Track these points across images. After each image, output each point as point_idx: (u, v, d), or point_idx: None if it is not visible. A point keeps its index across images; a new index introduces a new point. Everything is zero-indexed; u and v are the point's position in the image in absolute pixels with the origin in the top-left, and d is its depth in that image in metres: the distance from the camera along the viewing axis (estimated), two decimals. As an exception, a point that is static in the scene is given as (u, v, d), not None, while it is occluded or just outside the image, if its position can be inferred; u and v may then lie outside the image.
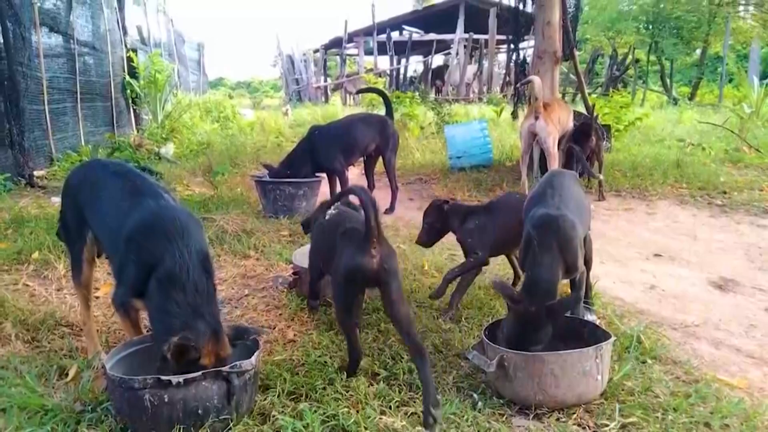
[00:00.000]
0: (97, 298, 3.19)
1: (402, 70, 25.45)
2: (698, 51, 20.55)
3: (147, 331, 2.41)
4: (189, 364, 1.94)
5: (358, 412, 2.10)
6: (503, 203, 3.25)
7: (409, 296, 3.31)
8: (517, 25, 11.20)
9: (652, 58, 19.96)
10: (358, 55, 27.58)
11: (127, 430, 1.96)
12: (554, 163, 5.63)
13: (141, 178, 2.45)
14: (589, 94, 9.63)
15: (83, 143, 7.62)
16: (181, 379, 1.89)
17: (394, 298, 2.32)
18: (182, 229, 2.14)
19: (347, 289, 2.40)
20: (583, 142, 5.90)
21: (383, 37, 24.72)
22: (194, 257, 2.10)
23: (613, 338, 2.28)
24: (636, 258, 4.28)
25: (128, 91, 9.66)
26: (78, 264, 2.54)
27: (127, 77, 9.65)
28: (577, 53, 8.14)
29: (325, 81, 26.98)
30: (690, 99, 18.65)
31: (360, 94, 17.48)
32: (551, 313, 2.25)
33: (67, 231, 2.60)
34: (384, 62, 25.97)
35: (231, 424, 1.98)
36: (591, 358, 2.14)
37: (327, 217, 2.70)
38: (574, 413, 2.14)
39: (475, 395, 2.26)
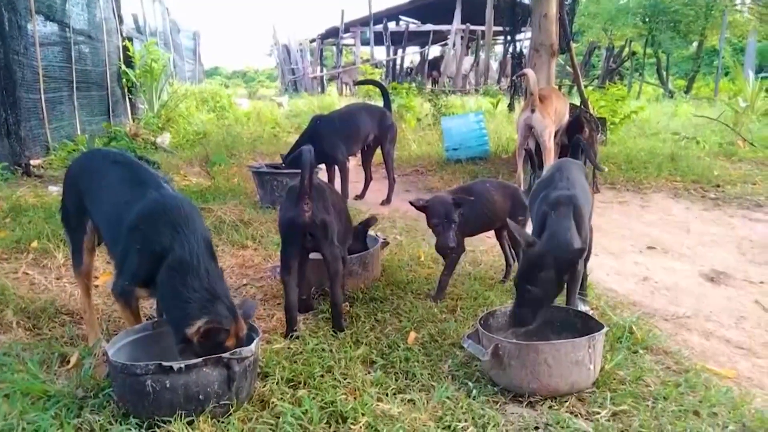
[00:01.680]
0: (96, 286, 3.21)
1: (399, 61, 25.37)
2: (695, 44, 20.54)
3: (146, 320, 2.45)
4: (216, 345, 2.00)
5: (355, 398, 2.14)
6: (478, 191, 3.31)
7: (406, 286, 3.35)
8: (514, 17, 11.23)
9: (649, 51, 19.95)
10: (354, 45, 27.49)
11: (129, 415, 1.99)
12: (549, 156, 5.64)
13: (142, 168, 2.48)
14: (586, 86, 9.64)
15: (79, 132, 7.59)
16: (182, 365, 1.93)
17: (325, 252, 2.73)
18: (186, 217, 2.19)
19: (286, 241, 2.73)
20: (577, 134, 5.91)
21: (380, 27, 24.62)
22: (201, 243, 2.15)
23: (605, 329, 2.33)
24: (629, 250, 4.33)
25: (124, 80, 9.61)
26: (78, 253, 2.57)
27: (123, 66, 9.60)
28: (573, 46, 8.16)
29: (321, 71, 26.89)
30: (686, 92, 18.64)
31: (356, 85, 17.45)
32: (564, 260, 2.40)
33: (67, 220, 2.62)
34: (380, 53, 25.95)
35: (231, 410, 2.03)
36: (584, 348, 2.19)
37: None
38: (566, 401, 2.19)
39: (469, 383, 2.31)
